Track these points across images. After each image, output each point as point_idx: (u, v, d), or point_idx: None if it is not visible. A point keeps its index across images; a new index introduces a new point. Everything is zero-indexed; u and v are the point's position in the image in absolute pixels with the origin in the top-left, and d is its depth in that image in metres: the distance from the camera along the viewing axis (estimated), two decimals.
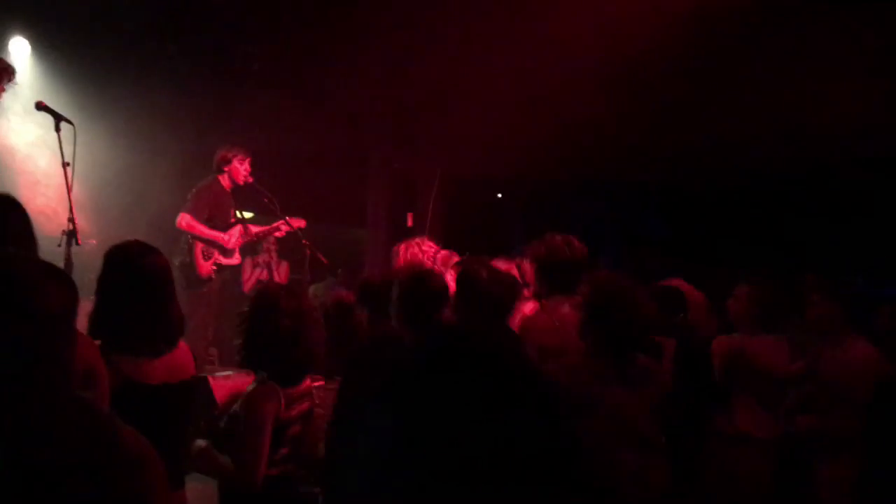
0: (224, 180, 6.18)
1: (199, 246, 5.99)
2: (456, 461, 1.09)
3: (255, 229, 6.40)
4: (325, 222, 8.74)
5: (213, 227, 6.07)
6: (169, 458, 2.28)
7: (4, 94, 7.21)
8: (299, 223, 6.28)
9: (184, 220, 5.95)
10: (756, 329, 4.30)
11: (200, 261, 5.94)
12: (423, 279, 3.18)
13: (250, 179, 6.18)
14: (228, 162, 6.11)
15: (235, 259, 6.24)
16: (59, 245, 4.07)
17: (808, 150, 7.16)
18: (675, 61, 6.07)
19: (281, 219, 6.25)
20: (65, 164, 4.22)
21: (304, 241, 6.13)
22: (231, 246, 6.11)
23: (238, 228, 6.21)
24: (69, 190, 4.19)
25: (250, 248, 7.00)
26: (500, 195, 10.62)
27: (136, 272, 2.48)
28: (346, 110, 7.57)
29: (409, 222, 8.14)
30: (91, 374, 2.15)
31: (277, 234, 6.43)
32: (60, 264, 3.49)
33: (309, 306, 2.84)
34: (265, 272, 7.38)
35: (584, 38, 5.71)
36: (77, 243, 4.13)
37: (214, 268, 6.02)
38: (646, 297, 3.17)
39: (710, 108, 6.72)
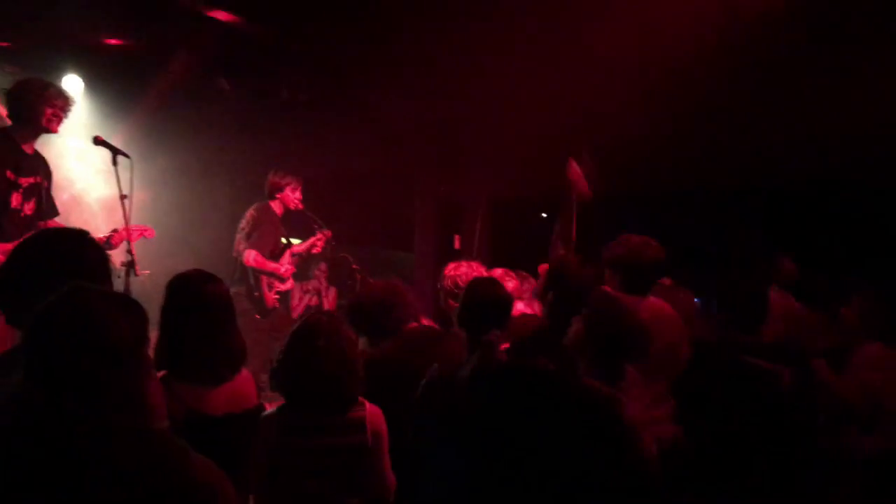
0: (275, 206, 6.24)
1: (264, 279, 6.07)
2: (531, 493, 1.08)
3: (296, 250, 6.45)
4: (373, 246, 8.81)
5: (270, 256, 6.15)
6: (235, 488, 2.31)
7: (61, 129, 7.48)
8: (326, 234, 6.34)
9: (250, 256, 5.97)
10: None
11: (266, 292, 6.02)
12: (482, 285, 3.14)
13: (301, 206, 6.25)
14: (281, 189, 6.17)
15: (289, 284, 6.30)
16: (119, 276, 4.16)
17: None
18: (731, 69, 6.00)
19: (314, 235, 6.31)
20: (122, 197, 4.33)
21: (353, 266, 6.19)
22: (284, 274, 6.15)
23: (287, 255, 6.27)
24: (127, 221, 4.30)
25: (301, 273, 7.07)
26: (544, 215, 10.57)
27: (197, 300, 2.50)
28: (392, 134, 7.63)
29: (456, 244, 8.15)
30: (156, 409, 2.16)
31: (315, 250, 6.46)
32: None
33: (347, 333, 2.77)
34: (315, 298, 7.44)
35: (628, 53, 5.67)
36: (136, 274, 4.23)
37: (277, 296, 6.09)
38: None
39: (762, 116, 6.62)
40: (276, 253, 6.20)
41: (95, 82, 7.61)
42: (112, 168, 4.40)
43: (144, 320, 1.61)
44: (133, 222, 4.39)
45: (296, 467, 2.57)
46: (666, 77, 5.92)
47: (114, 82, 7.47)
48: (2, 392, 1.54)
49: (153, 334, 2.56)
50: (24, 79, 4.63)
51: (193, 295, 2.51)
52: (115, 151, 4.43)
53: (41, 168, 4.60)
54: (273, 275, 6.11)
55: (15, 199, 4.37)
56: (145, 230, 4.74)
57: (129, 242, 4.26)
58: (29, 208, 4.46)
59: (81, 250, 2.14)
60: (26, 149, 4.49)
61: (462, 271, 4.07)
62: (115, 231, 4.50)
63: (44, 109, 4.40)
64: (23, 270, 2.04)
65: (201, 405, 2.42)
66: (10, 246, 4.14)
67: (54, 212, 4.71)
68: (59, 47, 7.20)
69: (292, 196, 6.19)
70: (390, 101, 7.19)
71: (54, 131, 4.54)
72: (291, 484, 2.57)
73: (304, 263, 6.76)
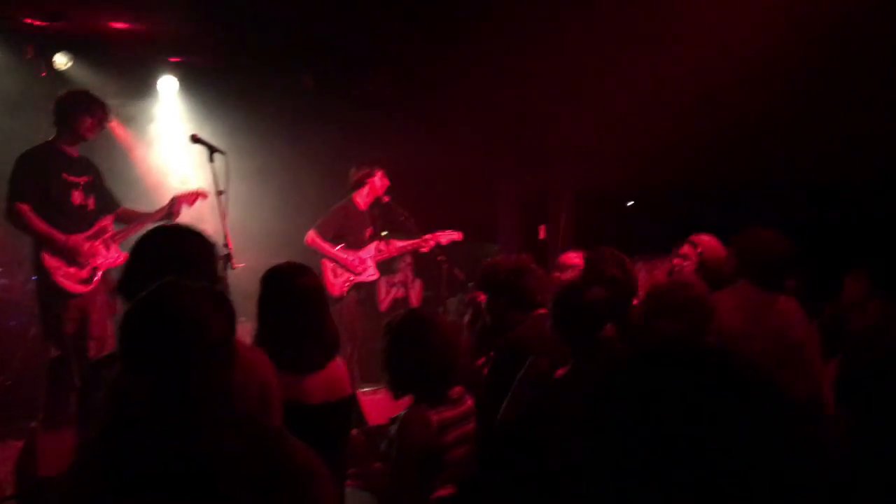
0: (360, 198, 6.35)
1: (329, 265, 6.19)
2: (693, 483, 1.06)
3: (398, 244, 6.52)
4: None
5: (348, 245, 6.26)
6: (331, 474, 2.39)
7: (157, 127, 7.83)
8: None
9: (309, 236, 6.18)
10: None
11: (330, 279, 6.12)
12: (578, 290, 3.11)
13: (385, 198, 6.33)
14: (371, 175, 6.30)
15: (373, 275, 6.37)
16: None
17: None
18: (819, 55, 5.79)
19: (418, 237, 6.37)
20: (219, 192, 4.50)
21: (439, 258, 6.24)
22: (350, 265, 6.22)
23: (374, 245, 6.35)
24: (223, 216, 4.46)
25: (386, 266, 7.17)
26: (630, 203, 10.41)
27: (289, 291, 2.58)
28: (476, 125, 7.65)
29: (542, 234, 8.12)
30: (266, 389, 2.26)
31: (423, 248, 6.50)
32: None
33: (450, 324, 2.85)
34: (401, 290, 7.53)
35: (715, 38, 5.55)
36: (232, 267, 4.39)
37: (347, 285, 6.19)
38: None
39: (856, 105, 6.36)
40: (359, 244, 6.30)
41: (190, 82, 7.92)
42: (209, 164, 4.56)
43: (233, 315, 1.66)
44: (228, 217, 4.55)
45: (449, 462, 2.67)
46: (755, 60, 5.75)
47: (207, 82, 7.76)
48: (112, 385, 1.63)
49: (250, 326, 2.67)
50: (70, 92, 5.12)
51: (286, 286, 2.59)
52: (212, 149, 4.59)
53: (90, 167, 5.10)
54: (336, 261, 6.19)
55: (77, 197, 4.93)
56: (199, 193, 5.24)
57: (225, 236, 4.42)
58: (91, 203, 5.00)
59: (193, 246, 2.28)
60: (71, 153, 4.99)
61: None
62: (174, 199, 5.10)
63: (86, 120, 4.93)
64: (141, 265, 2.20)
65: (299, 394, 2.48)
66: (82, 236, 4.84)
67: (116, 204, 5.20)
68: (156, 49, 7.52)
69: (378, 184, 6.29)
70: (475, 94, 7.22)
71: (92, 139, 5.05)
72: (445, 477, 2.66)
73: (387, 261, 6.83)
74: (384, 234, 6.86)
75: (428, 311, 2.92)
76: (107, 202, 5.13)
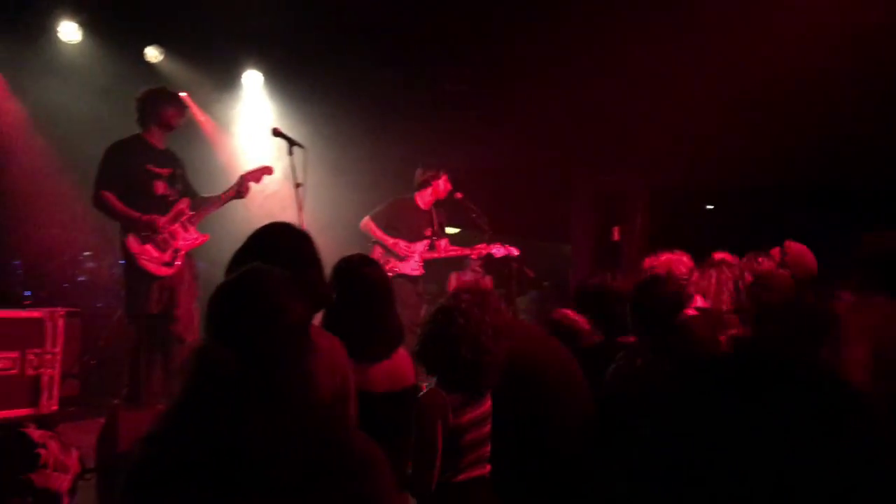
0: (423, 197, 6.44)
1: (378, 251, 6.27)
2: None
3: (449, 247, 6.55)
4: (530, 236, 8.85)
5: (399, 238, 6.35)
6: (393, 464, 2.44)
7: (241, 120, 8.07)
8: (509, 251, 6.38)
9: (364, 221, 6.34)
10: None
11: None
12: (657, 283, 3.08)
13: (458, 194, 6.37)
14: (437, 177, 6.37)
15: (416, 270, 6.38)
16: None
17: None
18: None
19: (483, 241, 6.40)
20: (297, 185, 4.62)
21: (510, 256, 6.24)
22: (400, 251, 6.27)
23: (425, 243, 6.41)
24: (300, 209, 4.58)
25: (456, 263, 7.19)
26: (709, 207, 10.19)
27: (356, 282, 2.66)
28: (551, 124, 7.62)
29: (616, 236, 8.03)
30: (346, 382, 2.35)
31: (473, 255, 6.58)
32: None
33: (494, 316, 2.79)
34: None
35: (796, 37, 5.39)
36: None
37: (390, 274, 6.25)
38: None
39: None
40: (407, 239, 6.37)
41: (274, 77, 8.13)
42: (288, 157, 4.68)
43: (311, 306, 1.74)
44: (305, 210, 4.67)
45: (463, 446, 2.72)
46: (838, 59, 5.57)
47: (290, 77, 7.95)
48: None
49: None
50: (148, 88, 5.39)
51: (353, 277, 2.67)
52: (291, 142, 4.72)
53: (175, 160, 5.37)
54: (385, 246, 6.27)
55: (160, 187, 5.19)
56: (265, 169, 5.42)
57: (303, 228, 4.52)
58: (174, 194, 5.26)
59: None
60: (158, 145, 5.28)
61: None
62: (241, 177, 5.31)
63: (170, 110, 5.26)
64: (249, 258, 2.30)
65: (364, 382, 2.54)
66: (165, 219, 5.08)
67: (194, 193, 5.44)
68: (242, 44, 7.74)
69: (444, 186, 6.38)
70: (551, 92, 7.19)
71: (176, 125, 5.34)
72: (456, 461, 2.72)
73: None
74: (452, 232, 6.88)
75: (476, 295, 2.89)
76: (188, 193, 5.38)
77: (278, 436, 1.54)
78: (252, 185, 5.36)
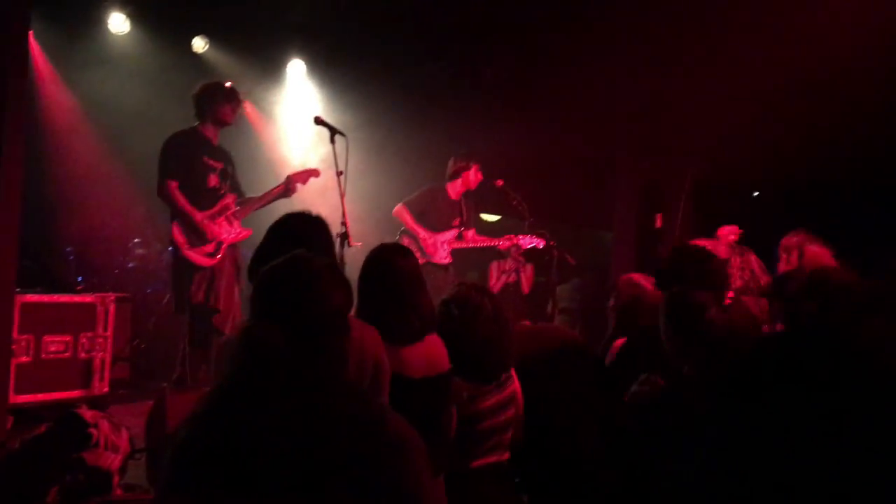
0: (454, 187, 6.49)
1: (406, 240, 6.34)
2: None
3: (476, 238, 6.58)
4: (571, 224, 8.81)
5: (427, 226, 6.40)
6: (429, 448, 2.48)
7: (284, 108, 8.18)
8: (536, 242, 6.41)
9: (397, 208, 6.43)
10: None
11: None
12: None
13: (499, 182, 6.38)
14: (467, 168, 6.42)
15: (445, 259, 6.42)
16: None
17: None
18: None
19: (523, 229, 6.41)
20: (338, 173, 4.66)
21: (551, 242, 6.23)
22: (422, 239, 6.34)
23: (453, 233, 6.45)
24: (342, 196, 4.62)
25: (497, 251, 7.21)
26: (756, 193, 10.01)
27: (387, 270, 2.74)
28: (594, 111, 7.57)
29: (658, 223, 7.96)
30: (379, 367, 2.42)
31: (501, 247, 6.62)
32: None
33: (493, 306, 2.93)
34: (513, 276, 7.55)
35: (847, 23, 5.27)
36: (349, 245, 4.56)
37: (421, 262, 6.29)
38: None
39: None
40: (436, 227, 6.41)
41: (317, 66, 8.21)
42: (329, 145, 4.72)
43: (350, 289, 1.79)
44: (347, 197, 4.71)
45: (481, 432, 2.81)
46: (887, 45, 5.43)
47: (333, 65, 8.02)
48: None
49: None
50: (207, 83, 5.50)
51: (387, 265, 2.75)
52: (333, 130, 4.76)
53: (227, 156, 5.52)
54: (415, 238, 6.34)
55: (212, 180, 5.34)
56: (311, 171, 5.55)
57: (343, 216, 4.58)
58: (224, 188, 5.40)
59: (320, 231, 2.63)
60: (213, 140, 5.41)
61: None
62: (289, 178, 5.42)
63: (226, 106, 5.38)
64: (271, 246, 2.52)
65: (399, 365, 2.60)
66: (207, 214, 5.21)
67: (240, 191, 5.55)
68: (286, 34, 7.83)
69: (475, 176, 6.44)
70: (593, 79, 7.13)
71: (230, 123, 5.49)
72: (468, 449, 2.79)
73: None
74: (493, 219, 6.88)
75: (478, 291, 3.01)
76: (235, 190, 5.52)
77: (321, 415, 1.58)
78: (298, 185, 5.47)
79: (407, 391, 2.55)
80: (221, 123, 5.42)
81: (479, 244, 6.62)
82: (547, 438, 3.04)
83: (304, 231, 2.60)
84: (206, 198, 5.29)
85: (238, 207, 5.39)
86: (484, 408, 2.83)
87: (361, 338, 2.35)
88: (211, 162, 5.33)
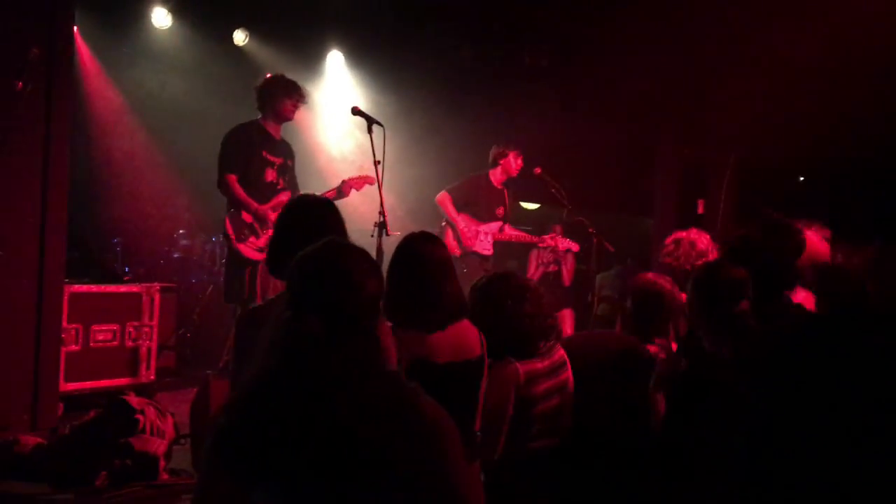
0: (495, 175, 6.46)
1: (449, 233, 6.34)
2: None
3: (515, 233, 6.56)
4: (612, 211, 8.73)
5: (472, 215, 6.38)
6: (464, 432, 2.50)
7: (323, 100, 8.23)
8: (572, 246, 6.44)
9: (441, 195, 6.38)
10: None
11: (449, 240, 6.26)
12: (718, 269, 3.00)
13: (537, 169, 6.35)
14: (504, 156, 6.38)
15: (486, 250, 6.42)
16: (372, 235, 4.55)
17: None
18: None
19: (561, 218, 6.38)
20: (376, 163, 4.67)
21: (590, 230, 6.19)
22: (462, 230, 6.32)
23: (496, 225, 6.44)
24: (380, 186, 4.63)
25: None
26: (802, 178, 9.80)
27: (415, 258, 2.78)
28: (635, 95, 7.48)
29: (700, 209, 7.84)
30: (388, 354, 2.42)
31: (541, 244, 6.62)
32: (373, 252, 3.92)
33: (528, 285, 3.04)
34: (553, 266, 7.51)
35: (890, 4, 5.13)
36: (387, 234, 4.58)
37: (459, 252, 6.29)
38: None
39: None
40: (479, 216, 6.39)
41: (355, 57, 8.26)
42: (367, 135, 4.74)
43: (382, 276, 1.82)
44: (386, 187, 4.73)
45: (539, 414, 2.86)
46: None
47: (371, 56, 8.06)
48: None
49: None
50: (271, 77, 5.51)
51: (413, 253, 2.79)
52: (371, 120, 4.76)
53: (288, 151, 5.55)
54: (454, 228, 6.33)
55: (270, 175, 5.38)
56: (367, 178, 5.43)
57: (381, 205, 4.60)
58: (281, 183, 5.45)
59: (327, 214, 2.60)
60: (274, 134, 5.43)
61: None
62: (343, 183, 5.39)
63: (287, 102, 5.37)
64: (286, 232, 2.55)
65: (425, 350, 2.65)
66: (268, 206, 5.29)
67: (297, 188, 5.61)
68: (325, 25, 7.88)
69: (514, 163, 6.37)
70: (633, 65, 7.05)
71: (292, 119, 5.50)
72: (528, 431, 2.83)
73: (538, 229, 6.88)
74: (532, 207, 6.83)
75: (508, 274, 3.12)
76: (292, 185, 5.57)
77: (359, 401, 1.62)
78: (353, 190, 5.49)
79: (432, 375, 2.57)
80: (282, 118, 5.44)
81: (517, 239, 6.60)
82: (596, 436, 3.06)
83: (319, 215, 2.60)
84: (262, 192, 5.34)
85: None
86: (537, 392, 2.87)
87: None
88: (270, 157, 5.37)
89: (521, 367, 2.86)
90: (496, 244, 6.52)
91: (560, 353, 3.04)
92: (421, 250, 2.79)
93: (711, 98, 7.32)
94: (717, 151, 7.87)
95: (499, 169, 6.45)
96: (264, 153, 5.35)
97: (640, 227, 9.28)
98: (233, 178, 5.25)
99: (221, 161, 5.29)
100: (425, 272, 2.74)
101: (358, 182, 5.48)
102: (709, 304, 2.84)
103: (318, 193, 5.28)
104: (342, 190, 5.41)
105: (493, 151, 6.50)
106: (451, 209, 6.39)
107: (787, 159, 8.31)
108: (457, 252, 6.30)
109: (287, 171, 5.51)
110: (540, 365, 2.93)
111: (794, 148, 7.75)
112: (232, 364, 2.58)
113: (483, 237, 6.40)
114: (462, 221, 6.37)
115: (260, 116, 5.43)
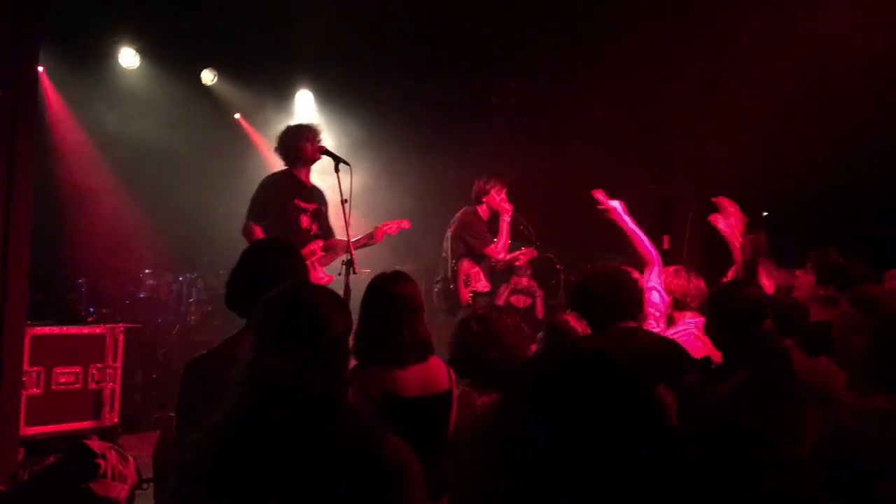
0: (482, 210, 6.46)
1: (462, 274, 6.30)
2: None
3: (504, 260, 6.55)
4: (579, 248, 8.79)
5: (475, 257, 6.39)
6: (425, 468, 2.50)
7: None
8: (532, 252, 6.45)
9: (464, 265, 6.24)
10: None
11: (462, 287, 6.23)
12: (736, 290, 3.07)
13: (507, 208, 6.38)
14: (486, 192, 6.37)
15: (486, 286, 6.40)
16: (339, 274, 4.55)
17: None
18: None
19: (518, 250, 6.42)
20: (343, 202, 4.69)
21: (558, 266, 6.24)
22: (475, 275, 6.30)
23: (486, 265, 6.45)
24: (347, 224, 4.65)
25: (505, 276, 7.21)
26: (765, 214, 9.98)
27: (386, 297, 2.83)
28: (601, 132, 7.59)
29: (666, 244, 7.94)
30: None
31: (517, 262, 6.62)
32: (340, 291, 3.92)
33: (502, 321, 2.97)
34: (529, 299, 7.53)
35: (851, 40, 5.29)
36: (354, 272, 4.58)
37: (471, 295, 6.26)
38: None
39: None
40: (480, 256, 6.39)
41: (324, 96, 8.32)
42: (334, 175, 4.77)
43: (350, 315, 1.83)
44: (353, 226, 4.74)
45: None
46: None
47: (340, 95, 8.12)
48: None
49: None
50: (288, 127, 5.51)
51: (384, 292, 2.84)
52: (338, 160, 4.80)
53: (320, 198, 5.46)
54: (472, 271, 6.26)
55: (304, 221, 5.31)
56: (402, 222, 5.56)
57: (349, 243, 4.61)
58: (315, 229, 5.37)
59: (289, 258, 2.60)
60: (305, 181, 5.38)
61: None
62: (376, 228, 5.39)
63: (305, 144, 5.28)
64: (245, 276, 2.52)
65: (392, 386, 2.70)
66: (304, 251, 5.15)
67: (331, 233, 5.51)
68: (294, 65, 7.94)
69: (497, 199, 6.35)
70: (601, 102, 7.17)
71: (318, 159, 5.35)
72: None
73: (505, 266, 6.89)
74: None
75: (492, 306, 3.21)
76: (325, 230, 5.50)
77: (327, 439, 1.63)
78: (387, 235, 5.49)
79: (400, 410, 2.64)
80: (309, 161, 5.36)
81: (506, 262, 6.57)
82: None
83: (279, 259, 2.59)
84: (299, 238, 5.21)
85: (323, 254, 5.36)
86: None
87: None
88: (302, 204, 5.31)
89: (480, 401, 2.86)
90: None
91: None
92: (389, 289, 2.83)
93: (677, 136, 7.46)
94: (682, 188, 8.00)
95: (484, 206, 6.43)
96: (297, 201, 5.28)
97: (609, 263, 9.34)
98: (257, 228, 5.15)
99: (252, 208, 5.22)
100: (393, 311, 2.78)
101: (392, 226, 5.47)
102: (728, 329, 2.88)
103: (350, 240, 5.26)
104: (374, 234, 5.37)
105: (475, 188, 6.45)
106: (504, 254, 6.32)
107: (751, 195, 8.46)
108: (466, 299, 6.20)
109: (321, 216, 5.43)
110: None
111: (758, 183, 7.91)
112: (176, 411, 2.53)
113: (482, 276, 6.38)
114: (465, 264, 6.28)
115: (289, 166, 5.36)
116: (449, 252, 6.30)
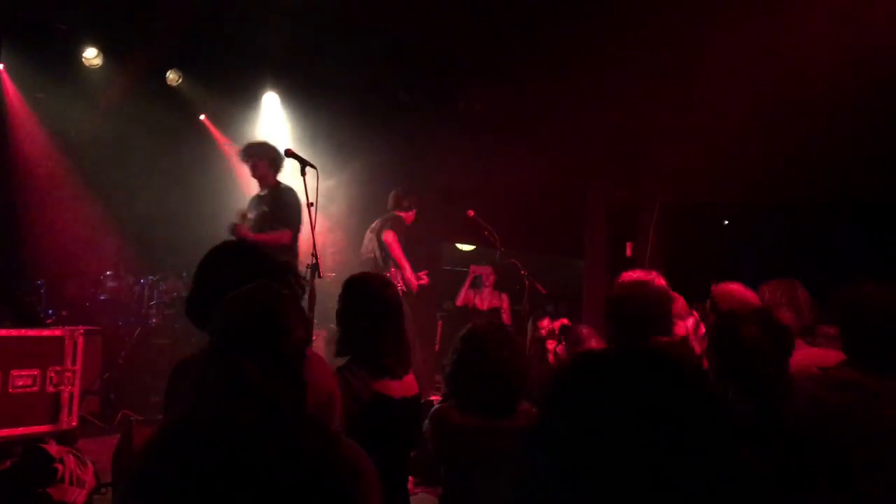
0: (409, 217, 6.42)
1: (393, 272, 6.26)
2: None
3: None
4: (543, 253, 8.88)
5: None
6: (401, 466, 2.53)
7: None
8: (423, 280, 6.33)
9: (389, 235, 6.16)
10: None
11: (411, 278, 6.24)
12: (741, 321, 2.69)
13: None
14: (409, 210, 6.38)
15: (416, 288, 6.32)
16: (304, 277, 4.53)
17: None
18: None
19: (500, 250, 6.44)
20: (309, 205, 4.68)
21: (522, 272, 6.28)
22: (408, 278, 6.23)
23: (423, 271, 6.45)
24: (313, 228, 4.62)
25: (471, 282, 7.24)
26: (726, 222, 10.17)
27: (376, 301, 2.78)
28: (565, 139, 7.67)
29: (629, 252, 8.04)
30: (332, 398, 2.44)
31: (421, 282, 6.35)
32: (305, 295, 3.91)
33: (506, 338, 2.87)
34: (496, 301, 7.56)
35: (815, 50, 5.40)
36: (320, 276, 4.57)
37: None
38: None
39: None
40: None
41: (290, 98, 8.28)
42: (301, 178, 4.75)
43: (311, 325, 1.83)
44: (321, 228, 4.75)
45: (472, 466, 2.76)
46: (853, 79, 5.59)
47: (306, 98, 8.09)
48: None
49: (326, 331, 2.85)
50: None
51: (373, 296, 2.79)
52: (304, 163, 4.77)
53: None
54: (402, 271, 6.15)
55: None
56: (422, 278, 6.13)
57: (314, 246, 4.59)
58: None
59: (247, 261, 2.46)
60: None
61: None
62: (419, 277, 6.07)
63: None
64: (206, 283, 2.39)
65: (382, 388, 2.72)
66: None
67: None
68: (260, 67, 7.89)
69: (408, 216, 6.36)
70: (564, 110, 7.23)
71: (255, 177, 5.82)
72: (465, 481, 2.77)
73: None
74: (467, 249, 6.89)
75: (498, 325, 3.04)
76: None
77: (283, 444, 1.62)
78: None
79: (392, 410, 2.71)
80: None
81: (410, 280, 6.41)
82: None
83: (238, 263, 2.46)
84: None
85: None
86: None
87: (317, 372, 2.38)
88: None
89: (456, 418, 2.80)
90: (433, 285, 6.52)
91: (519, 422, 2.89)
92: (383, 295, 2.81)
93: (638, 142, 7.56)
94: (645, 195, 8.11)
95: (411, 214, 6.40)
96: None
97: (572, 269, 9.46)
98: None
99: (295, 218, 5.52)
100: (388, 317, 2.78)
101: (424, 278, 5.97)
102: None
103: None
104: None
105: (403, 201, 6.40)
106: (400, 252, 6.20)
107: (712, 203, 8.62)
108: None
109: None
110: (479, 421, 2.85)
111: (719, 191, 8.05)
112: (163, 415, 2.52)
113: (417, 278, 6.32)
114: (408, 269, 6.19)
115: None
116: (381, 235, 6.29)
